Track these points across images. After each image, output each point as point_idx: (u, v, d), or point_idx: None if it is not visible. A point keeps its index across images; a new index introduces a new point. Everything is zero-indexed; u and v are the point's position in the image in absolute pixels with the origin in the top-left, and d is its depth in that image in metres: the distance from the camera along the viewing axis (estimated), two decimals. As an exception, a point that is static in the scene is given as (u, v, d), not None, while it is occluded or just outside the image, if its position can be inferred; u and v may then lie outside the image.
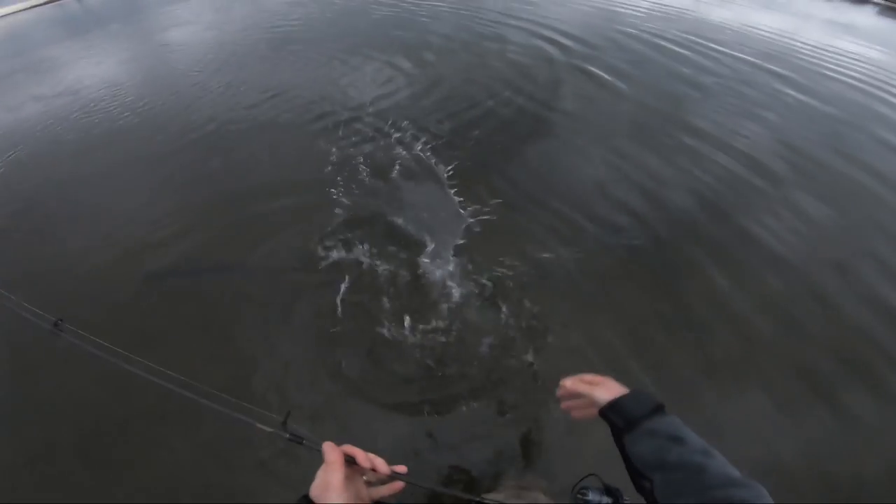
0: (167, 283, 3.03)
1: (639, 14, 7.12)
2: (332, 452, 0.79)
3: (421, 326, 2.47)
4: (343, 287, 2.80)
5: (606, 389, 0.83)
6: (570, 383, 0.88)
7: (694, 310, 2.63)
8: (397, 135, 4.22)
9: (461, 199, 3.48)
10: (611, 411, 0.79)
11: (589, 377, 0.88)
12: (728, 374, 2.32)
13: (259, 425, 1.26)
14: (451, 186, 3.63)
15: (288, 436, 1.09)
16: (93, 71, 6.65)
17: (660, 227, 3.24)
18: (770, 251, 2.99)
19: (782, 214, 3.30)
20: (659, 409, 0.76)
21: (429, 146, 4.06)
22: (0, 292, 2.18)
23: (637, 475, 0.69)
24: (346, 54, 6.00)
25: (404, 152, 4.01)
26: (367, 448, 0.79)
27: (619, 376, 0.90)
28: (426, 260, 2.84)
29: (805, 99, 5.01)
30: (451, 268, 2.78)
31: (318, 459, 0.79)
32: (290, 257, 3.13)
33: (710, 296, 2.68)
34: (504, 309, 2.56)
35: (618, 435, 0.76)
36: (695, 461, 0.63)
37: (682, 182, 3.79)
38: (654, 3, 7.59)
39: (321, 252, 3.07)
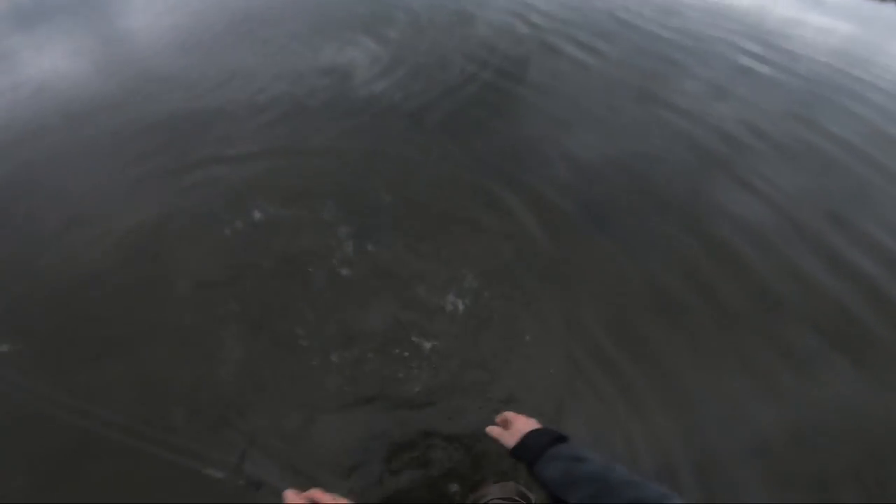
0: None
1: None
2: (294, 499, 0.67)
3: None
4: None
5: (516, 431, 0.91)
6: (492, 430, 0.96)
7: (670, 287, 2.67)
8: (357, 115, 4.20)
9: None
10: (518, 450, 0.87)
11: (506, 416, 0.98)
12: (707, 350, 2.35)
13: (209, 471, 1.09)
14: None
15: (243, 481, 0.93)
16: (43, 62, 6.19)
17: (631, 199, 3.31)
18: (743, 221, 3.13)
19: (755, 185, 3.49)
20: (560, 439, 0.83)
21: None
22: None
23: (558, 501, 0.74)
24: (308, 34, 5.94)
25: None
26: (334, 481, 0.66)
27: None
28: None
29: (774, 74, 5.37)
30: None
31: (278, 510, 0.66)
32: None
33: (687, 271, 2.75)
34: (466, 301, 2.47)
35: (529, 468, 0.83)
36: (600, 473, 0.70)
37: (652, 154, 3.92)
38: None
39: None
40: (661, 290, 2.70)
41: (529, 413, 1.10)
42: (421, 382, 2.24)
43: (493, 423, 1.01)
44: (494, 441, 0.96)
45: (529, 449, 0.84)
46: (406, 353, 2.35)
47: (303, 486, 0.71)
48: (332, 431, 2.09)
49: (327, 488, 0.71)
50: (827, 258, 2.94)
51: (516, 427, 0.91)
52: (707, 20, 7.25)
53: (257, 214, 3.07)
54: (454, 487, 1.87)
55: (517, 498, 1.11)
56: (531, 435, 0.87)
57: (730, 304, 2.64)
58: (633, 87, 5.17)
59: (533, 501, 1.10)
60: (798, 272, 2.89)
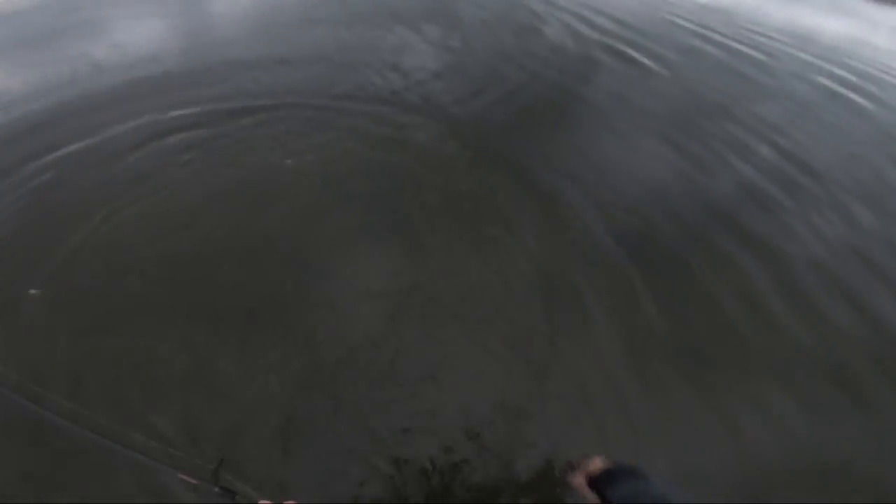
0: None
1: (693, 5, 7.42)
2: None
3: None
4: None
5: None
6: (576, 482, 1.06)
7: (726, 307, 2.69)
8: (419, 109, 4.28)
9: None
10: (596, 481, 0.97)
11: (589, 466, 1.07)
12: (761, 373, 2.38)
13: (183, 477, 1.12)
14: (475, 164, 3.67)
15: (217, 489, 0.97)
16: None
17: (695, 217, 3.27)
18: (809, 251, 3.09)
19: (827, 216, 3.38)
20: (633, 471, 0.92)
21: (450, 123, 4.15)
22: None
23: None
24: (372, 25, 6.11)
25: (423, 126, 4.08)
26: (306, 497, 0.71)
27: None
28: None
29: (864, 103, 5.05)
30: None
31: (251, 518, 0.71)
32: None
33: (744, 292, 2.76)
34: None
35: (602, 495, 0.93)
36: (662, 494, 0.82)
37: (722, 173, 3.81)
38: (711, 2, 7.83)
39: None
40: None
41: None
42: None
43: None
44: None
45: (604, 478, 0.94)
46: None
47: (274, 499, 0.76)
48: (313, 449, 2.08)
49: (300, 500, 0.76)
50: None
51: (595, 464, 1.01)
52: (795, 44, 6.83)
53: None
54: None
55: None
56: (608, 469, 0.96)
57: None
58: (703, 103, 4.98)
59: None
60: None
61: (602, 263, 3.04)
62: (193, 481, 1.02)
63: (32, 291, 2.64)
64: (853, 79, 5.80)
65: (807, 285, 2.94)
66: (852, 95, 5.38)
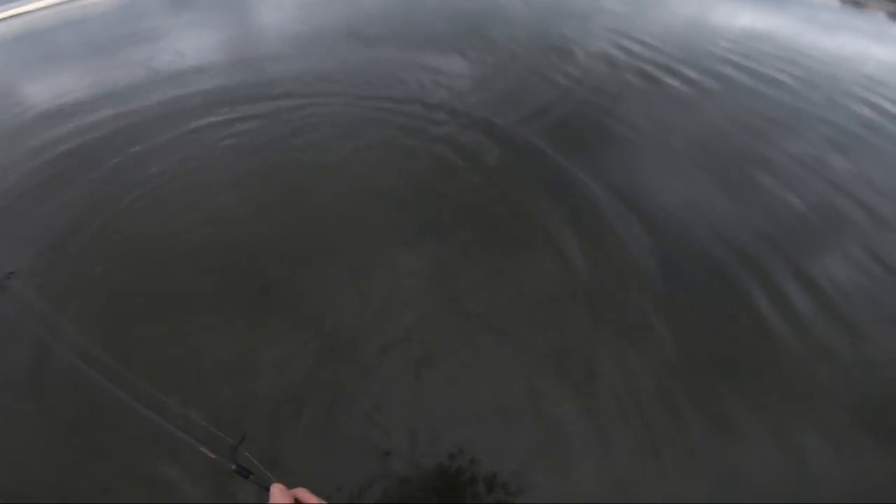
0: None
1: (732, 34, 7.25)
2: (281, 496, 0.67)
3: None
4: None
5: None
6: None
7: (770, 328, 2.53)
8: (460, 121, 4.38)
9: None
10: None
11: None
12: (784, 410, 2.20)
13: (203, 449, 1.11)
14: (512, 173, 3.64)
15: (234, 466, 0.94)
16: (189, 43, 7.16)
17: (730, 253, 3.12)
18: (834, 294, 2.88)
19: (857, 257, 3.15)
20: None
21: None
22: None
23: None
24: (406, 44, 6.35)
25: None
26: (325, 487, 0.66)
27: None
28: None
29: None
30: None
31: (263, 500, 0.67)
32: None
33: (788, 315, 2.59)
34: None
35: None
36: None
37: (760, 198, 3.63)
38: (749, 25, 7.66)
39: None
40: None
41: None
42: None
43: None
44: None
45: None
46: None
47: (290, 485, 0.72)
48: (338, 446, 2.08)
49: (315, 491, 0.71)
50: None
51: None
52: (834, 72, 6.50)
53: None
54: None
55: None
56: None
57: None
58: (735, 132, 4.77)
59: None
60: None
61: (638, 279, 2.89)
62: (213, 455, 0.99)
63: (98, 269, 2.87)
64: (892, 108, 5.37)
65: (854, 312, 2.70)
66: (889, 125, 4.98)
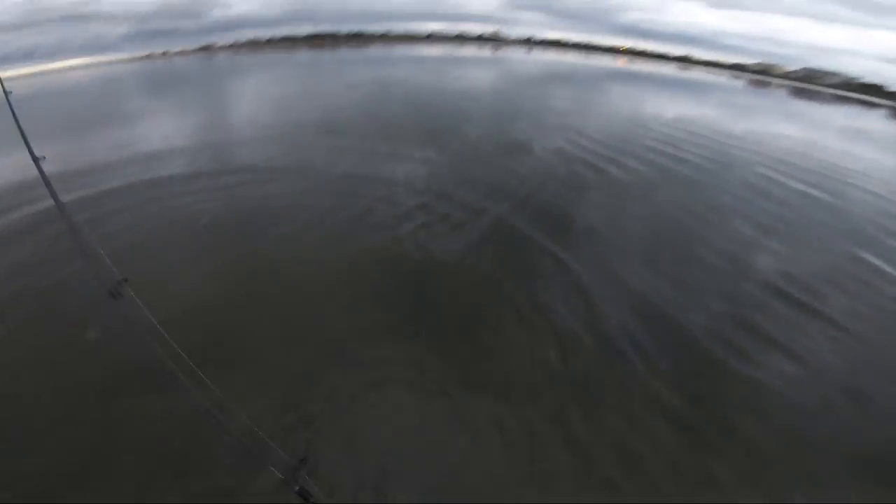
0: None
1: (663, 121, 8.90)
2: None
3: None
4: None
5: None
6: None
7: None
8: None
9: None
10: None
11: None
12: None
13: (271, 468, 1.32)
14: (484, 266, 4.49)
15: (297, 488, 1.11)
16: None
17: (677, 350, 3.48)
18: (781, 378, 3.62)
19: (796, 337, 4.03)
20: None
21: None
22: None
23: None
24: (381, 143, 7.38)
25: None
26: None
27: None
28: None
29: (831, 201, 6.32)
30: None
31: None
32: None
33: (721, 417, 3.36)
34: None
35: None
36: None
37: (691, 298, 4.54)
38: (678, 113, 9.45)
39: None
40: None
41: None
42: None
43: None
44: None
45: None
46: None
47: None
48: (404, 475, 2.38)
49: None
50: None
51: None
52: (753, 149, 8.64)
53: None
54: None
55: None
56: None
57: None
58: (678, 221, 5.92)
59: None
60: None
61: (613, 350, 3.86)
62: (280, 475, 1.19)
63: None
64: (810, 178, 7.16)
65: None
66: (814, 192, 6.74)
